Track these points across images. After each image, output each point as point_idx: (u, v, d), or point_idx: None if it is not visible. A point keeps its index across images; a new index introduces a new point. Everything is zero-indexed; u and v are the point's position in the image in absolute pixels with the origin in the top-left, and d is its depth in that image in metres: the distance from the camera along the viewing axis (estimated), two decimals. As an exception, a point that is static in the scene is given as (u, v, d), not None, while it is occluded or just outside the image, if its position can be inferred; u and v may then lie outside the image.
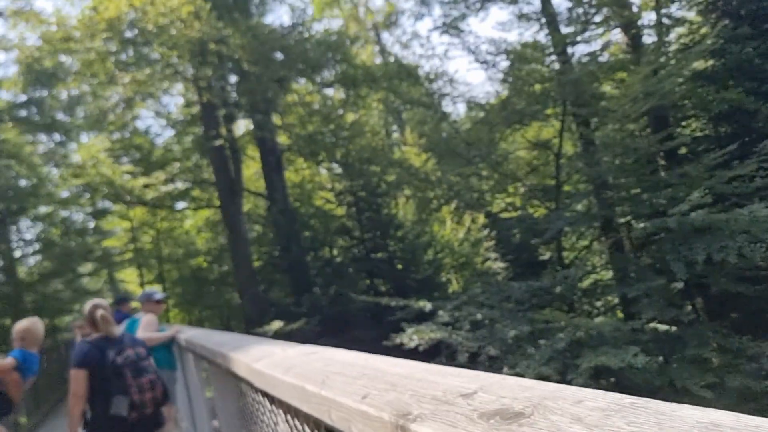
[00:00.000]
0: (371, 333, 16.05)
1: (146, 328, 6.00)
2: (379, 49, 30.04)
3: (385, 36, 30.60)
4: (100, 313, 4.25)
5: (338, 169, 22.52)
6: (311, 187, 23.46)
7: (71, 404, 4.02)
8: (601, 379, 9.20)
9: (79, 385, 4.02)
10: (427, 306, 12.15)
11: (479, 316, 11.35)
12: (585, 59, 14.32)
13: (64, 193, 21.63)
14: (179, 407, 7.55)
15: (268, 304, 17.64)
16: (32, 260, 23.60)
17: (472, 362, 10.13)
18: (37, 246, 22.96)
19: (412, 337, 10.71)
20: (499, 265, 21.35)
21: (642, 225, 14.18)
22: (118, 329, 4.42)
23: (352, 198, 19.22)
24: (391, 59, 22.15)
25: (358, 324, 16.14)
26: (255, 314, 16.87)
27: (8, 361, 4.65)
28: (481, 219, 20.94)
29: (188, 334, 5.37)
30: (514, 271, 20.20)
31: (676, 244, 10.35)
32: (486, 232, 20.98)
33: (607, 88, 15.25)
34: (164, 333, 6.13)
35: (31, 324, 4.99)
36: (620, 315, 15.54)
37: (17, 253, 22.73)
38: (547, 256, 18.33)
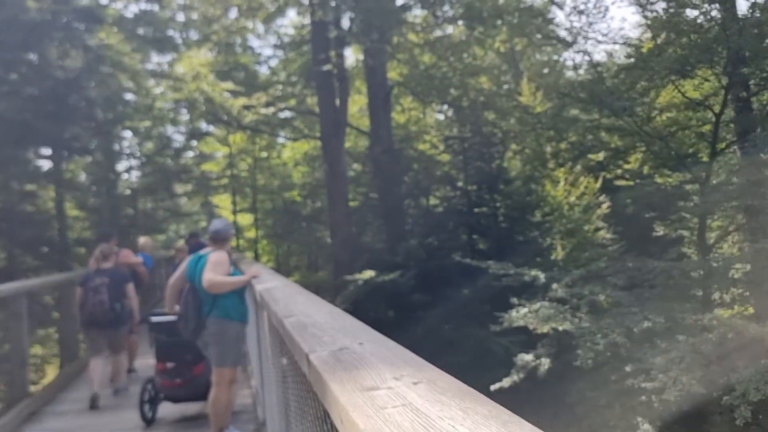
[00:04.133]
0: (468, 294, 14.70)
1: (215, 269, 4.79)
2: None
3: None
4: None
5: (448, 112, 20.92)
6: (416, 129, 21.96)
7: None
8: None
9: None
10: (540, 277, 10.55)
11: (602, 297, 9.68)
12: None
13: (164, 108, 21.07)
14: (252, 365, 6.47)
15: (360, 248, 16.51)
16: (129, 175, 23.49)
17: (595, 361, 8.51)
18: (136, 161, 22.74)
19: (523, 319, 9.16)
20: (608, 236, 19.51)
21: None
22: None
23: (460, 145, 17.61)
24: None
25: (454, 282, 14.76)
26: (345, 258, 15.80)
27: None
28: (597, 183, 18.99)
29: (266, 285, 4.11)
30: (624, 245, 18.37)
31: None
32: (602, 197, 19.07)
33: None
34: (237, 278, 4.93)
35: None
36: (751, 311, 13.52)
37: (119, 167, 22.63)
38: (661, 232, 16.38)
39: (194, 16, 18.35)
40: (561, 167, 17.18)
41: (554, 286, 10.35)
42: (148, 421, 5.94)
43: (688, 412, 7.75)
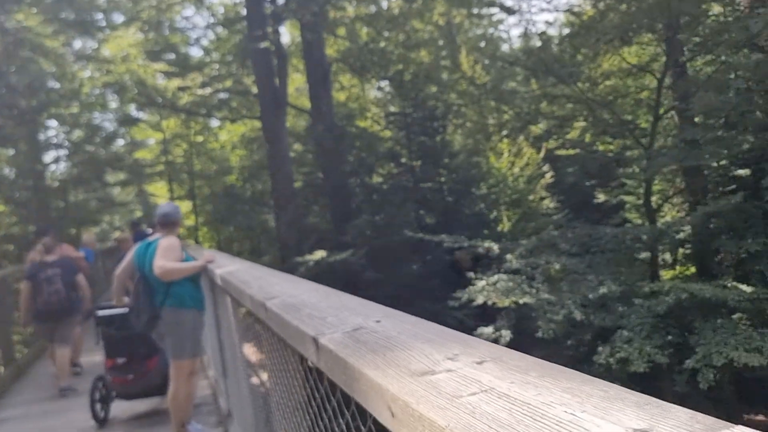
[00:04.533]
0: (419, 269, 14.63)
1: (166, 255, 4.45)
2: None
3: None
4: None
5: (388, 88, 20.68)
6: (357, 106, 21.62)
7: None
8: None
9: None
10: (494, 248, 10.48)
11: (557, 266, 9.69)
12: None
13: (92, 93, 20.04)
14: (208, 354, 6.15)
15: (307, 229, 16.16)
16: (58, 166, 22.37)
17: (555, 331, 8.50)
18: (64, 151, 21.64)
19: (482, 293, 9.07)
20: (552, 205, 19.81)
21: (742, 172, 12.33)
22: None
23: (403, 120, 17.40)
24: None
25: (404, 257, 14.66)
26: (292, 240, 15.44)
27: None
28: (541, 153, 19.17)
29: (227, 268, 3.82)
30: (568, 213, 18.67)
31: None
32: (545, 167, 19.28)
33: (716, 8, 13.03)
34: (191, 264, 4.59)
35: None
36: (692, 270, 13.88)
37: (45, 158, 21.48)
38: (602, 198, 16.72)
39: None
40: (505, 139, 17.21)
41: (508, 256, 10.31)
42: (101, 422, 5.57)
43: (649, 374, 7.84)
